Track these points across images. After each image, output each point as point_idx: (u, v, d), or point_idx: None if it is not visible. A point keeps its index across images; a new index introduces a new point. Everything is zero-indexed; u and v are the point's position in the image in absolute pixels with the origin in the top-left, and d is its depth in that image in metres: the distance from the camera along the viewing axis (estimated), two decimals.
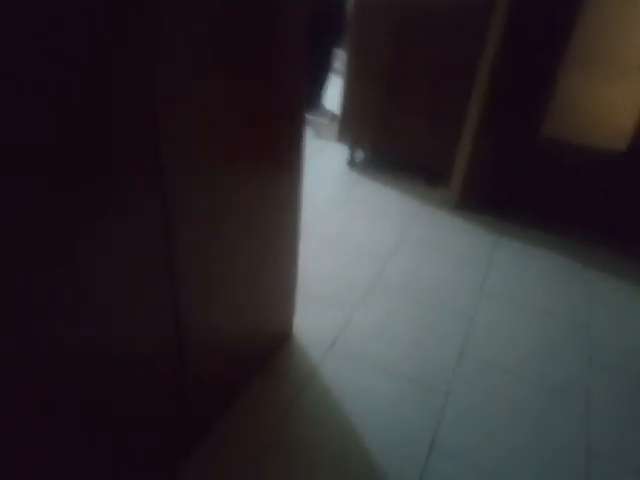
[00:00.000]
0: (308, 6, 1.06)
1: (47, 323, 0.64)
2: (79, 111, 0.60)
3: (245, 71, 0.91)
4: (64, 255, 0.64)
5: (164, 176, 0.77)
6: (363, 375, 1.44)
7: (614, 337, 1.70)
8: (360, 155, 2.93)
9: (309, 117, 3.48)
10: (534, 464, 1.24)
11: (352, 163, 2.82)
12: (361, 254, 2.02)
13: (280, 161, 1.15)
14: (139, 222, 0.75)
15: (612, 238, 2.27)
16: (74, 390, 0.73)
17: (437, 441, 1.27)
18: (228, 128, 0.91)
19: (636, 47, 1.95)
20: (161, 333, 0.90)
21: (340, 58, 4.20)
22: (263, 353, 1.42)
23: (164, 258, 0.84)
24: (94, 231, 0.67)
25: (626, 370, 1.56)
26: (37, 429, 0.69)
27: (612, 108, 2.09)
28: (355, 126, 2.67)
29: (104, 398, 0.80)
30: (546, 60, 2.10)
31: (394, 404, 1.36)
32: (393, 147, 2.62)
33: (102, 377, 0.78)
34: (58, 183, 0.60)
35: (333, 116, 3.41)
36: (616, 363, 1.59)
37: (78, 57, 0.57)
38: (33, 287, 0.61)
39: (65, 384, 0.71)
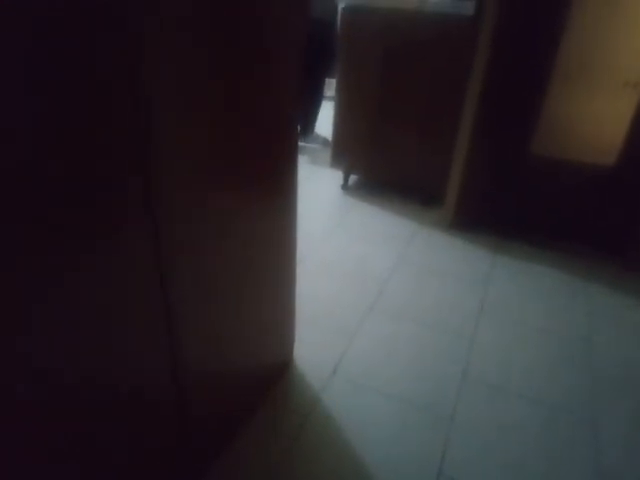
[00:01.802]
0: (303, 35, 1.08)
1: (38, 352, 0.64)
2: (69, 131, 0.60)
3: (240, 95, 0.92)
4: (58, 280, 0.63)
5: (157, 206, 0.78)
6: (367, 401, 1.42)
7: (617, 352, 1.68)
8: (353, 179, 2.95)
9: (303, 144, 3.52)
10: None
11: (346, 187, 2.84)
12: (359, 277, 2.01)
13: (274, 188, 1.15)
14: (131, 251, 0.75)
15: (607, 252, 2.27)
16: (71, 426, 0.72)
17: (444, 467, 1.24)
18: (222, 156, 0.92)
19: (621, 63, 1.99)
20: (157, 368, 0.88)
21: (332, 87, 4.28)
22: (265, 383, 1.40)
23: (159, 291, 0.83)
24: (89, 255, 0.67)
25: (630, 384, 1.54)
26: (34, 465, 0.67)
27: (600, 124, 2.12)
28: (347, 151, 2.70)
29: (102, 435, 0.79)
30: (533, 78, 2.15)
31: (399, 430, 1.34)
32: (386, 170, 2.65)
33: (98, 414, 0.77)
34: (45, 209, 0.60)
35: (326, 142, 3.46)
36: (620, 378, 1.57)
37: (64, 64, 0.59)
38: (32, 307, 0.60)
39: (62, 420, 0.70)
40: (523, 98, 2.19)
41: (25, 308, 0.60)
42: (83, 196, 0.64)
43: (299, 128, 3.75)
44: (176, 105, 0.77)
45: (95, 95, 0.62)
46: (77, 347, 0.69)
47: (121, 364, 0.79)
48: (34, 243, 0.59)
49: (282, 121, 1.11)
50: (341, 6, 2.40)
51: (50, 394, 0.67)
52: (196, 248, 0.91)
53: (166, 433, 0.98)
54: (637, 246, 2.18)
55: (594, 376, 1.57)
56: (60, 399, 0.68)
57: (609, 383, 1.55)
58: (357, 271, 2.05)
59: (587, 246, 2.31)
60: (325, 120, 3.59)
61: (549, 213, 2.36)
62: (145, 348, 0.84)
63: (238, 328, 1.15)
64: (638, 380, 1.57)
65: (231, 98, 0.90)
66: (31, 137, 0.55)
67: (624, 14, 1.93)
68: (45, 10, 0.53)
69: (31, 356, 0.62)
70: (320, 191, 2.81)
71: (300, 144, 3.52)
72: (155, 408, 0.92)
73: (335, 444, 1.28)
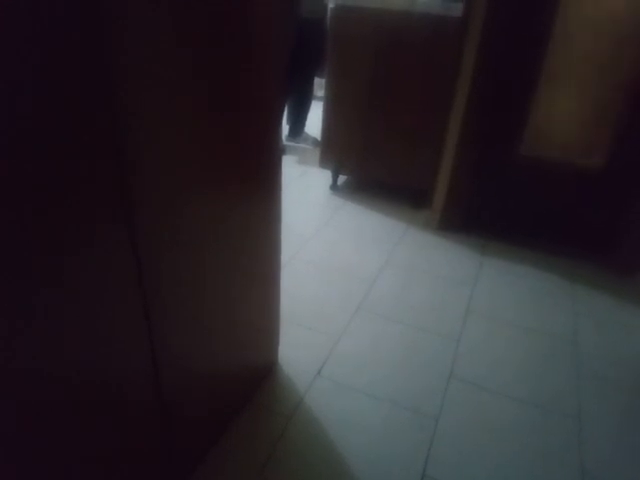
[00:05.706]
0: (284, 40, 1.07)
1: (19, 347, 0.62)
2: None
3: (219, 101, 0.91)
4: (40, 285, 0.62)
5: (133, 207, 0.76)
6: (351, 402, 1.41)
7: (602, 352, 1.69)
8: (343, 179, 2.95)
9: (293, 144, 3.51)
10: None
11: (335, 187, 2.83)
12: (347, 278, 2.00)
13: (258, 190, 1.14)
14: (108, 251, 0.74)
15: (593, 252, 2.28)
16: (45, 428, 0.70)
17: (428, 467, 1.23)
18: (204, 156, 0.91)
19: (607, 64, 2.00)
20: (136, 371, 0.87)
21: (322, 86, 4.27)
22: (249, 384, 1.39)
23: (137, 292, 0.82)
24: (66, 257, 0.66)
25: (616, 384, 1.55)
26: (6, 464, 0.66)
27: (586, 124, 2.13)
28: (337, 151, 2.69)
29: (83, 435, 0.77)
30: (521, 79, 2.15)
31: (384, 431, 1.33)
32: (376, 170, 2.65)
33: (75, 413, 0.75)
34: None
35: (316, 142, 3.45)
36: (605, 377, 1.58)
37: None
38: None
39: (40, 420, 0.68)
40: (511, 99, 2.20)
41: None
42: (62, 197, 0.62)
43: (289, 128, 3.73)
44: (156, 105, 0.75)
45: (68, 96, 0.60)
46: (53, 346, 0.67)
47: (98, 363, 0.77)
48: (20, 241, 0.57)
49: (265, 124, 1.10)
50: (330, 6, 2.40)
51: (20, 391, 0.65)
52: (178, 248, 0.89)
53: (149, 433, 0.96)
54: (623, 246, 2.20)
55: (580, 376, 1.58)
56: (27, 399, 0.67)
57: (595, 383, 1.55)
58: (345, 271, 2.05)
59: (574, 246, 2.32)
60: (315, 120, 3.58)
61: (536, 214, 2.37)
62: (124, 347, 0.82)
63: (221, 328, 1.13)
64: (623, 379, 1.57)
65: (214, 100, 0.89)
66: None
67: (609, 14, 1.94)
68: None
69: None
70: (309, 191, 2.80)
71: (290, 144, 3.51)
72: (137, 408, 0.90)
73: (319, 445, 1.27)
